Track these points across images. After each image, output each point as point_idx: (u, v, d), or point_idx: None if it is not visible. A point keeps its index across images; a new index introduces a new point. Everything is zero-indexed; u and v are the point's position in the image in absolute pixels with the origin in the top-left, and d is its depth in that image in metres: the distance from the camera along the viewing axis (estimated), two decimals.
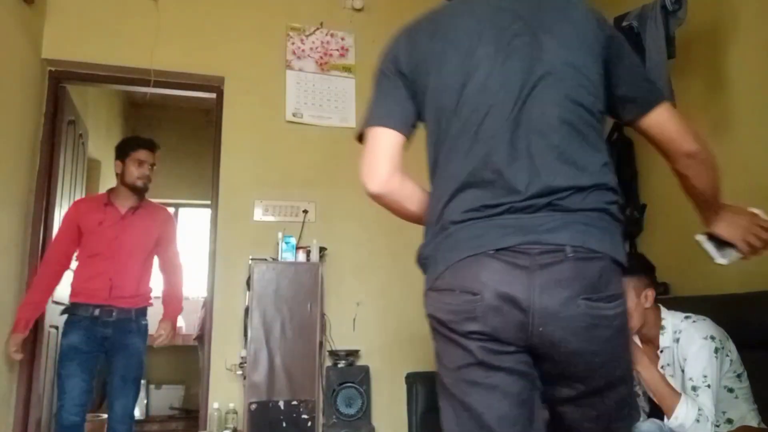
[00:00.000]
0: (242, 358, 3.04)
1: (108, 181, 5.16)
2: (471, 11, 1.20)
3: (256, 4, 3.54)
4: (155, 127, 6.00)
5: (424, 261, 1.15)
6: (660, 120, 1.20)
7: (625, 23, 2.92)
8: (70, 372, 2.64)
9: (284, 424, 2.84)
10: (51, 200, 3.23)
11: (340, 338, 3.27)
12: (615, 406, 1.09)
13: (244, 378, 2.96)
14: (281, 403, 2.87)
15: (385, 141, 1.19)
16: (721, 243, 1.40)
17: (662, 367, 1.89)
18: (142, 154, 2.83)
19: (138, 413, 5.09)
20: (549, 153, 1.07)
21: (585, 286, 1.02)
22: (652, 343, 1.93)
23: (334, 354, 3.20)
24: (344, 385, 3.07)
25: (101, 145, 4.86)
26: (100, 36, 3.26)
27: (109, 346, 2.72)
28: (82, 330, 2.67)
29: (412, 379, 3.15)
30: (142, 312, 2.81)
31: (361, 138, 1.24)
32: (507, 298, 1.02)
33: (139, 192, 2.83)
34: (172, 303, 2.94)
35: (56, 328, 3.35)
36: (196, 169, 5.48)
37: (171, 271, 2.96)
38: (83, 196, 3.95)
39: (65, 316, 3.64)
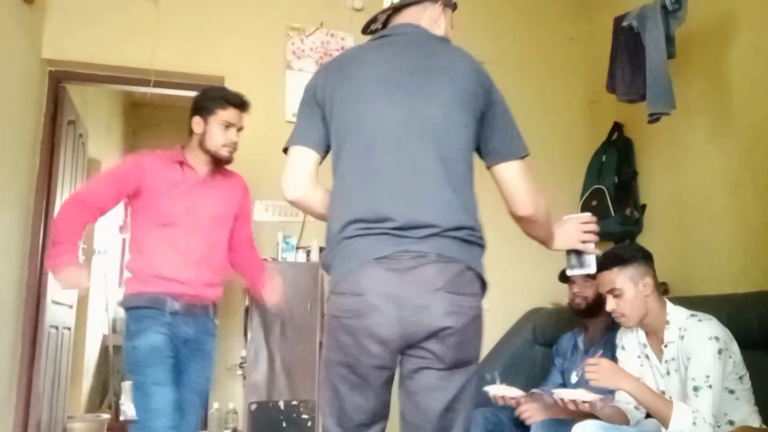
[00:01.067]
0: (242, 358, 3.04)
1: None
2: (374, 62, 1.44)
3: (256, 4, 3.54)
4: (155, 127, 6.00)
5: (326, 268, 1.41)
6: (507, 173, 1.43)
7: (625, 23, 2.93)
8: (158, 379, 1.99)
9: (284, 424, 2.84)
10: (51, 200, 3.23)
11: None
12: (460, 386, 1.32)
13: (244, 378, 2.96)
14: (281, 403, 2.87)
15: (302, 158, 1.47)
16: (577, 258, 1.63)
17: (666, 361, 1.89)
18: (231, 114, 2.25)
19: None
20: (425, 195, 1.32)
21: (445, 282, 1.27)
22: (656, 335, 1.93)
23: None
24: None
25: (101, 145, 4.86)
26: (100, 36, 3.25)
27: (187, 352, 2.11)
28: (164, 328, 2.02)
29: None
30: (215, 308, 2.25)
31: (287, 151, 1.51)
32: (385, 297, 1.27)
33: (223, 163, 2.28)
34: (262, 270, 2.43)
35: (56, 328, 3.35)
36: None
37: (251, 250, 2.44)
38: None
39: (70, 316, 3.66)
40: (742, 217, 2.65)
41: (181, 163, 2.22)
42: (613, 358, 2.19)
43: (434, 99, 1.37)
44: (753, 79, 2.62)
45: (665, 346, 1.89)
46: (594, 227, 1.60)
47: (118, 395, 5.03)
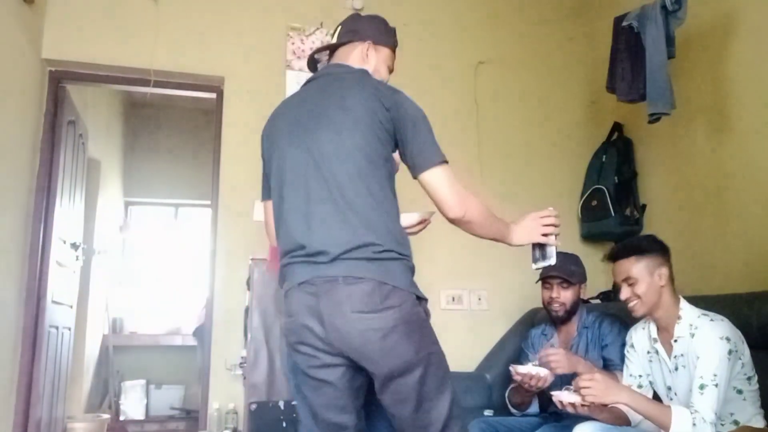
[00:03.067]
0: (242, 358, 3.04)
1: (108, 181, 5.17)
2: (290, 109, 1.63)
3: (256, 4, 3.54)
4: (155, 127, 6.01)
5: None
6: (428, 182, 1.50)
7: (625, 23, 2.93)
8: None
9: (284, 424, 2.84)
10: (51, 200, 3.23)
11: None
12: (416, 386, 1.41)
13: (244, 378, 2.96)
14: (281, 403, 2.87)
15: (268, 210, 1.67)
16: (540, 251, 1.66)
17: (675, 357, 1.89)
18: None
19: (138, 413, 5.13)
20: (324, 221, 1.45)
21: (354, 303, 1.38)
22: (667, 331, 1.93)
23: None
24: None
25: (101, 145, 4.86)
26: (100, 36, 3.25)
27: None
28: None
29: None
30: None
31: None
32: (309, 317, 1.43)
33: None
34: None
35: (56, 328, 3.36)
36: (196, 169, 5.49)
37: None
38: (83, 196, 3.95)
39: (70, 316, 3.66)
40: (742, 217, 2.65)
41: None
42: (604, 353, 2.26)
43: (325, 131, 1.50)
44: (753, 79, 2.61)
45: (675, 340, 1.89)
46: (553, 220, 1.62)
47: (118, 395, 5.06)
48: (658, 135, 3.14)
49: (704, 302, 2.06)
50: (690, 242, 2.93)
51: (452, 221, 1.53)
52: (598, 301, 3.19)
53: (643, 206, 3.30)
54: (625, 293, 1.95)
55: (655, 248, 1.96)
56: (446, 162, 1.50)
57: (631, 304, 1.95)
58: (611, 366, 2.26)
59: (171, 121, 6.02)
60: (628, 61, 2.91)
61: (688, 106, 2.89)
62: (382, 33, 1.72)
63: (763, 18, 2.57)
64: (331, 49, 1.71)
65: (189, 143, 5.89)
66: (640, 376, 2.02)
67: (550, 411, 2.42)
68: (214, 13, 3.45)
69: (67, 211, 3.49)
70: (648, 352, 2.01)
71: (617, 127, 3.52)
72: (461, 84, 3.67)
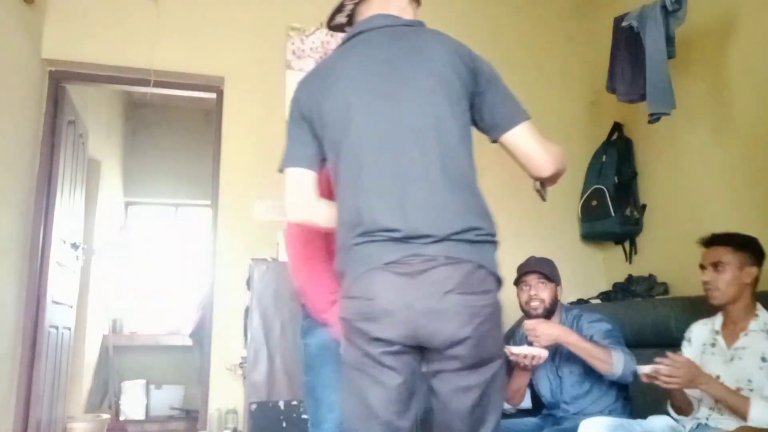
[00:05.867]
0: (242, 358, 3.04)
1: (108, 181, 5.17)
2: (352, 69, 1.41)
3: (256, 4, 3.54)
4: (155, 127, 6.01)
5: (339, 275, 1.41)
6: (517, 141, 1.41)
7: (625, 23, 2.93)
8: (326, 381, 1.74)
9: (284, 424, 2.84)
10: (51, 200, 3.23)
11: None
12: (485, 383, 1.32)
13: (244, 378, 2.96)
14: (281, 403, 2.87)
15: (298, 179, 1.44)
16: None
17: (736, 348, 1.93)
18: None
19: (138, 413, 5.13)
20: (424, 204, 1.30)
21: (457, 283, 1.27)
22: (735, 325, 1.96)
23: None
24: None
25: (101, 145, 4.86)
26: (100, 36, 3.25)
27: None
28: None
29: None
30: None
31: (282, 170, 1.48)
32: (397, 301, 1.28)
33: None
34: None
35: (56, 328, 3.36)
36: (196, 169, 5.47)
37: None
38: (83, 196, 3.95)
39: (70, 316, 3.66)
40: (742, 217, 2.65)
41: None
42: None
43: (416, 98, 1.35)
44: (753, 79, 2.62)
45: (746, 334, 1.92)
46: None
47: (118, 395, 5.06)
48: (658, 135, 3.14)
49: (704, 302, 2.06)
50: (690, 242, 2.92)
51: (542, 180, 1.45)
52: (598, 301, 3.19)
53: (643, 206, 3.30)
54: (707, 276, 1.98)
55: (755, 249, 2.00)
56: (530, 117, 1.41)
57: (710, 292, 1.98)
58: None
59: (171, 121, 6.02)
60: (628, 61, 2.91)
61: (688, 106, 2.90)
62: None
63: (763, 18, 2.57)
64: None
65: (189, 143, 5.88)
66: None
67: (545, 413, 2.41)
68: (214, 13, 3.46)
69: (67, 211, 3.49)
70: (704, 344, 2.03)
71: (617, 127, 3.53)
72: None
